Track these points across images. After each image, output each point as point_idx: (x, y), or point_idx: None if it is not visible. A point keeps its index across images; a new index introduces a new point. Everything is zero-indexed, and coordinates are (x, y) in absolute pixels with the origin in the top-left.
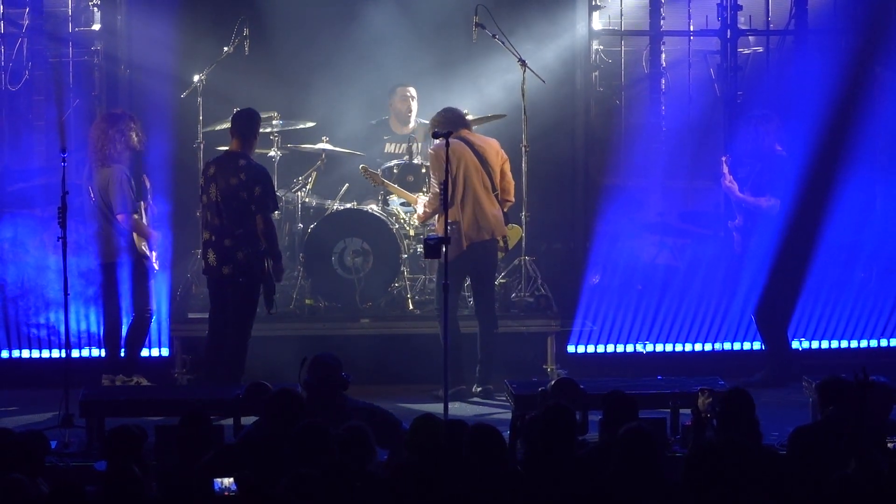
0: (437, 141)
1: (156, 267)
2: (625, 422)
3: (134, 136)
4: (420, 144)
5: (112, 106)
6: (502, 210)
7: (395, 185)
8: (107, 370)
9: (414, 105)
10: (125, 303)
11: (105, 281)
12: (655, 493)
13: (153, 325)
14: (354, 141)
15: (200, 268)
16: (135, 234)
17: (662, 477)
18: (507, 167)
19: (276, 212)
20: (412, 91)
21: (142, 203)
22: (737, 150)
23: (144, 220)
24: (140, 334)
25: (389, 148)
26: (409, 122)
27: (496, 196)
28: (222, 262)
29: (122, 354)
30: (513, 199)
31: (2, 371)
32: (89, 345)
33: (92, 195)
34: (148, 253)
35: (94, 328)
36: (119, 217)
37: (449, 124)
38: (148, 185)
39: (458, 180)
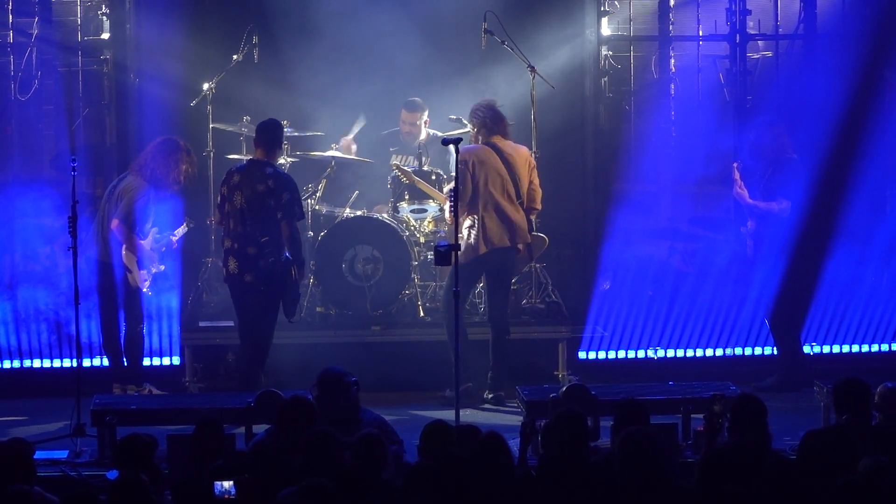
0: (457, 146)
1: (139, 286)
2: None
3: (185, 168)
4: (427, 151)
5: (121, 115)
6: (528, 218)
7: (425, 183)
8: (115, 379)
9: (417, 129)
10: (120, 307)
11: (101, 280)
12: (662, 497)
13: (164, 333)
14: (362, 149)
15: (221, 275)
16: (124, 247)
17: (668, 480)
18: (536, 175)
19: (302, 219)
20: (414, 118)
21: (152, 228)
22: (747, 157)
23: (147, 242)
24: (136, 345)
25: (395, 160)
26: (415, 140)
27: (521, 204)
28: (245, 269)
29: (125, 364)
30: (539, 208)
31: (14, 380)
32: (100, 354)
33: (105, 196)
34: (132, 269)
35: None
36: (112, 223)
37: (486, 123)
38: (185, 228)
39: (480, 184)
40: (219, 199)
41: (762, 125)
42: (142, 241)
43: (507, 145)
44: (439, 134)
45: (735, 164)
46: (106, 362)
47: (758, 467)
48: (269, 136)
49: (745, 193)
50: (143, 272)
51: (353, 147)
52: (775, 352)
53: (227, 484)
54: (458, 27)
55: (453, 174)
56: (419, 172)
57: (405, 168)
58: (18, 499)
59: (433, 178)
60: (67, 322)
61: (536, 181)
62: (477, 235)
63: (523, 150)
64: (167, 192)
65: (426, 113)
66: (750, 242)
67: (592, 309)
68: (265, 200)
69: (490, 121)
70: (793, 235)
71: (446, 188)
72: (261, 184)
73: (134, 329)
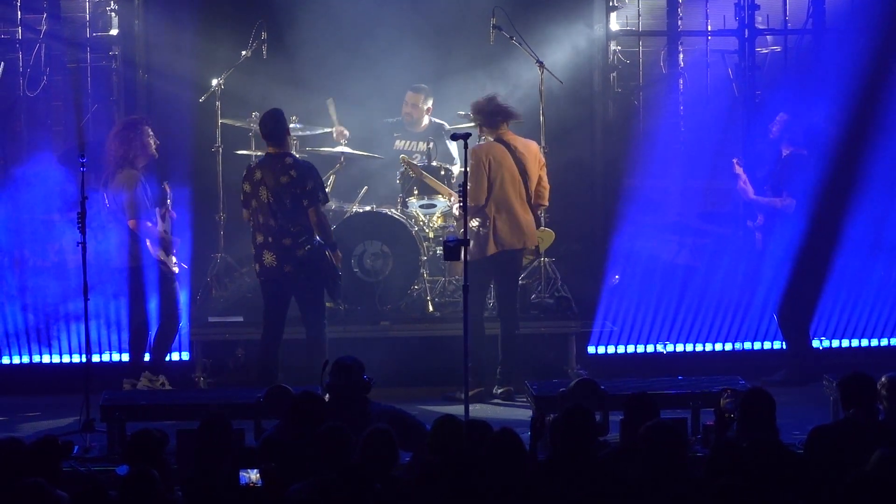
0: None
1: (175, 270)
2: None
3: (151, 141)
4: (434, 144)
5: (130, 111)
6: (535, 214)
7: (433, 178)
8: (128, 374)
9: (419, 112)
10: (151, 308)
11: (132, 286)
12: (681, 490)
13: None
14: (367, 136)
15: (254, 271)
16: (148, 241)
17: (687, 473)
18: (544, 172)
19: (327, 203)
20: (417, 99)
21: (158, 210)
22: (753, 151)
23: (162, 227)
24: (166, 340)
25: (399, 144)
26: (417, 125)
27: (529, 202)
28: (283, 261)
29: (149, 358)
30: (546, 204)
31: (23, 376)
32: (110, 350)
33: (107, 201)
34: (165, 258)
35: (114, 333)
36: (130, 223)
37: (488, 120)
38: (168, 191)
39: (496, 185)
40: (242, 196)
41: (788, 117)
42: (158, 228)
43: (519, 142)
44: (444, 124)
45: (735, 160)
46: (115, 358)
47: (766, 461)
48: (273, 127)
49: (750, 189)
50: (173, 258)
51: (346, 133)
52: (784, 346)
53: (255, 476)
54: (467, 22)
55: (461, 169)
56: (427, 168)
57: (413, 162)
58: (33, 491)
59: (442, 173)
60: (77, 318)
61: (545, 178)
62: (487, 235)
63: (533, 145)
64: (149, 170)
65: (430, 100)
66: (759, 236)
67: (601, 304)
68: (290, 191)
69: (492, 115)
70: (802, 230)
71: (455, 184)
72: (283, 175)
73: (168, 321)
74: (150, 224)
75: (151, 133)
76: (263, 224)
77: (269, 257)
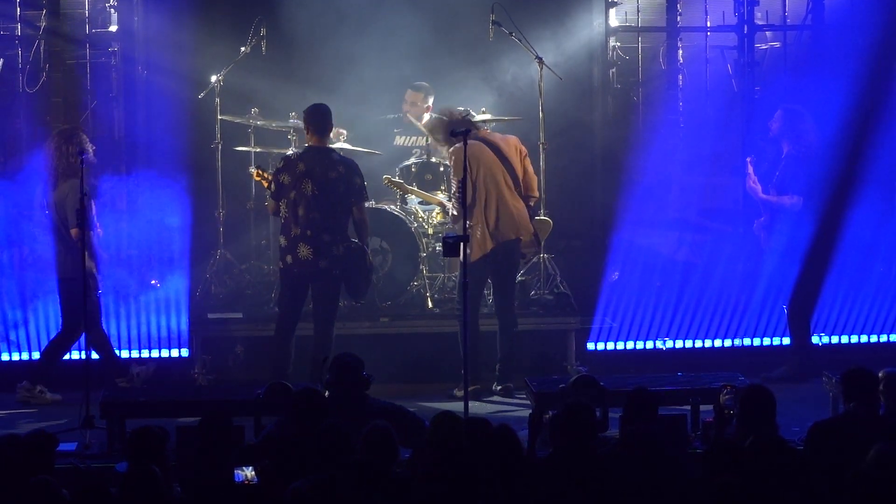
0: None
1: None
2: (645, 418)
3: (89, 148)
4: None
5: (130, 107)
6: (528, 206)
7: (422, 192)
8: (121, 373)
9: (418, 110)
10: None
11: (75, 298)
12: (680, 487)
13: (172, 325)
14: (367, 134)
15: (277, 265)
16: (86, 251)
17: (686, 470)
18: (528, 162)
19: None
20: (416, 98)
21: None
22: (755, 149)
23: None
24: (63, 349)
25: (399, 141)
26: (418, 120)
27: (519, 193)
28: (319, 255)
29: (39, 359)
30: (537, 195)
31: (22, 374)
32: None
33: (47, 211)
34: (94, 272)
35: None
36: (72, 231)
37: (447, 128)
38: (94, 209)
39: (479, 181)
40: (273, 187)
41: (788, 112)
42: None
43: (496, 136)
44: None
45: (748, 159)
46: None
47: (766, 458)
48: (320, 119)
49: (759, 188)
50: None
51: (343, 132)
52: (788, 341)
53: (250, 473)
54: (467, 19)
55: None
56: (426, 165)
57: (397, 180)
58: (39, 489)
59: (441, 169)
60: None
61: (530, 168)
62: (483, 233)
63: (511, 138)
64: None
65: (431, 98)
66: (763, 235)
67: (601, 300)
68: (338, 186)
69: (446, 127)
70: (805, 227)
71: (454, 183)
72: (332, 170)
73: (72, 332)
74: (90, 234)
75: (87, 139)
76: (303, 217)
77: (304, 250)
